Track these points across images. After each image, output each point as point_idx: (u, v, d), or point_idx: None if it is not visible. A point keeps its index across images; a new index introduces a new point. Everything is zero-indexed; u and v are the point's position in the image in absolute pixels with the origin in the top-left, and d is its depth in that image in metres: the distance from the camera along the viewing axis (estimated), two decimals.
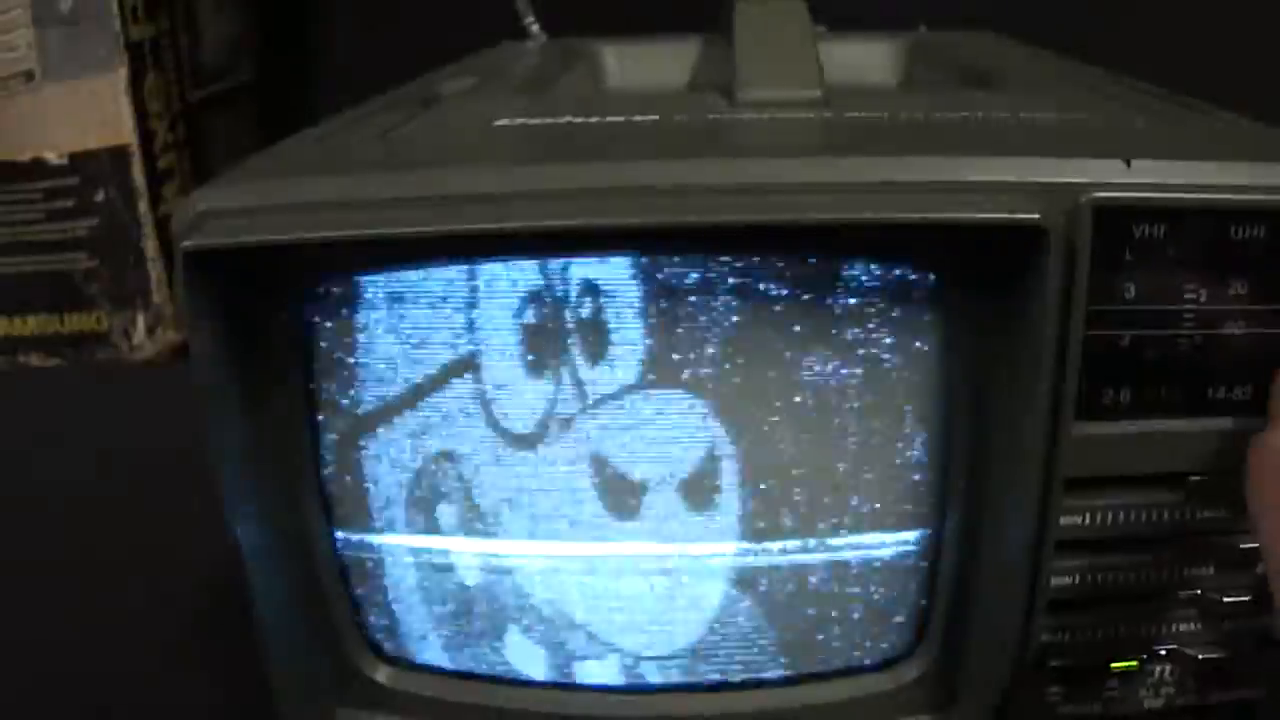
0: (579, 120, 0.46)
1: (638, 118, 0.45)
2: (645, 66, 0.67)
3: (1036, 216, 0.36)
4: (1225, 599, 0.43)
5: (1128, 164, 0.38)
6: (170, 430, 0.42)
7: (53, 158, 0.83)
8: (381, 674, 0.48)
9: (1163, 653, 0.44)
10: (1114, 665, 0.44)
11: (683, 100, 0.48)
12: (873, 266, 0.40)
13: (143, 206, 0.84)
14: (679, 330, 0.41)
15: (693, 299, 0.41)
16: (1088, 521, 0.41)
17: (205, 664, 0.55)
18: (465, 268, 0.41)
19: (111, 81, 0.82)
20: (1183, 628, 0.44)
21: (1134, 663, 0.44)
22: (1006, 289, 0.39)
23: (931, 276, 0.40)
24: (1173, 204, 0.38)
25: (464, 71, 0.62)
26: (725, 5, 0.56)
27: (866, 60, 0.67)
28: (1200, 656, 0.44)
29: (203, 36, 0.92)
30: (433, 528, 0.45)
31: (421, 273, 0.42)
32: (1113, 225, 0.38)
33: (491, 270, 0.41)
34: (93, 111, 0.83)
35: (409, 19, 0.98)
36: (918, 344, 0.41)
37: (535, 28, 0.75)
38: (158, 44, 0.85)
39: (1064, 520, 0.41)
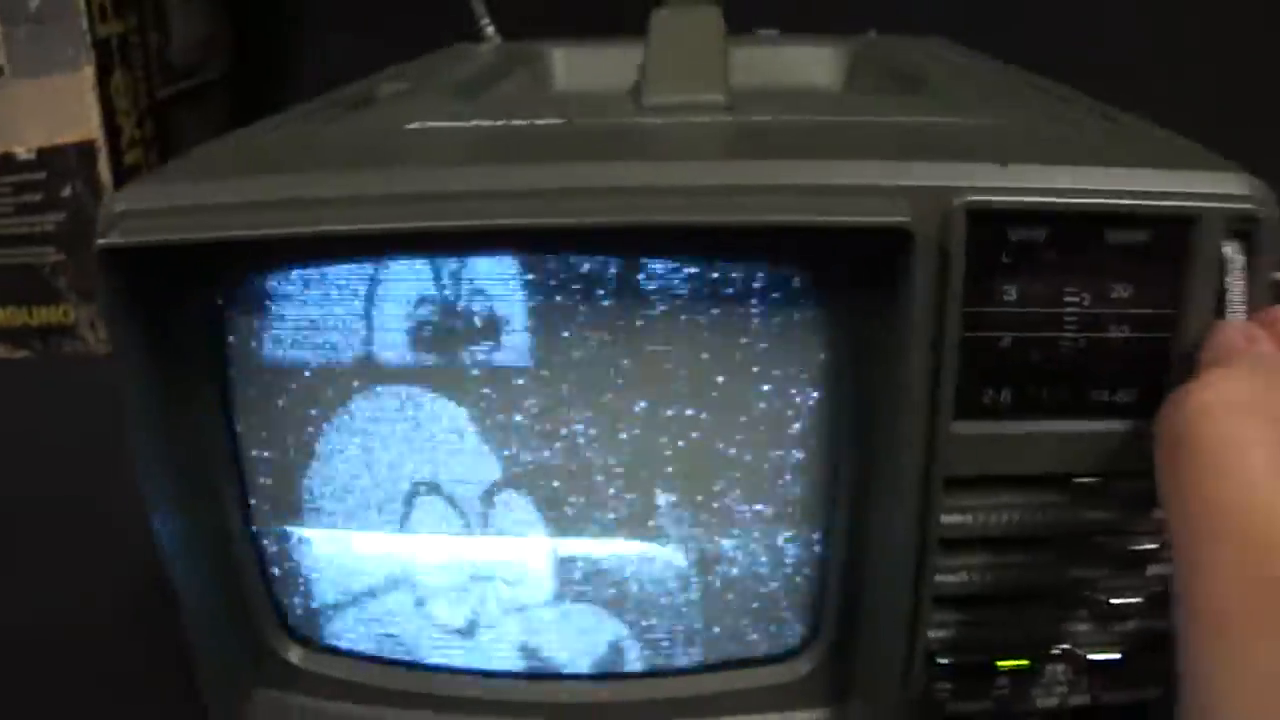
0: (486, 124, 0.46)
1: (541, 122, 0.46)
2: (592, 69, 0.67)
3: (902, 219, 0.37)
4: (1116, 600, 0.43)
5: (1004, 167, 0.38)
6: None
7: (21, 153, 0.84)
8: (295, 655, 0.49)
9: (1055, 653, 0.44)
10: (1003, 664, 0.44)
11: (593, 105, 0.49)
12: (760, 269, 0.41)
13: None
14: (564, 333, 0.42)
15: (581, 293, 0.41)
16: (971, 520, 0.42)
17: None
18: (371, 266, 0.42)
19: (78, 79, 0.83)
20: (1074, 628, 0.44)
21: (1024, 662, 0.44)
22: (886, 290, 0.39)
23: (817, 279, 0.41)
24: (1048, 207, 0.38)
25: (408, 73, 0.63)
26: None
27: (811, 63, 0.68)
28: (1092, 657, 0.44)
29: (173, 34, 0.93)
30: (345, 520, 0.46)
31: (329, 270, 0.42)
32: (988, 228, 0.38)
33: (396, 266, 0.42)
34: (60, 108, 0.84)
35: (382, 17, 0.99)
36: (805, 345, 0.42)
37: (490, 29, 0.76)
38: (126, 41, 0.86)
39: (947, 519, 0.41)
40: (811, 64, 0.68)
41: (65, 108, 0.84)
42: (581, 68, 0.69)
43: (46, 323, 0.88)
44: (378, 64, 0.68)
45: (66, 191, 0.85)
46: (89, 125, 0.84)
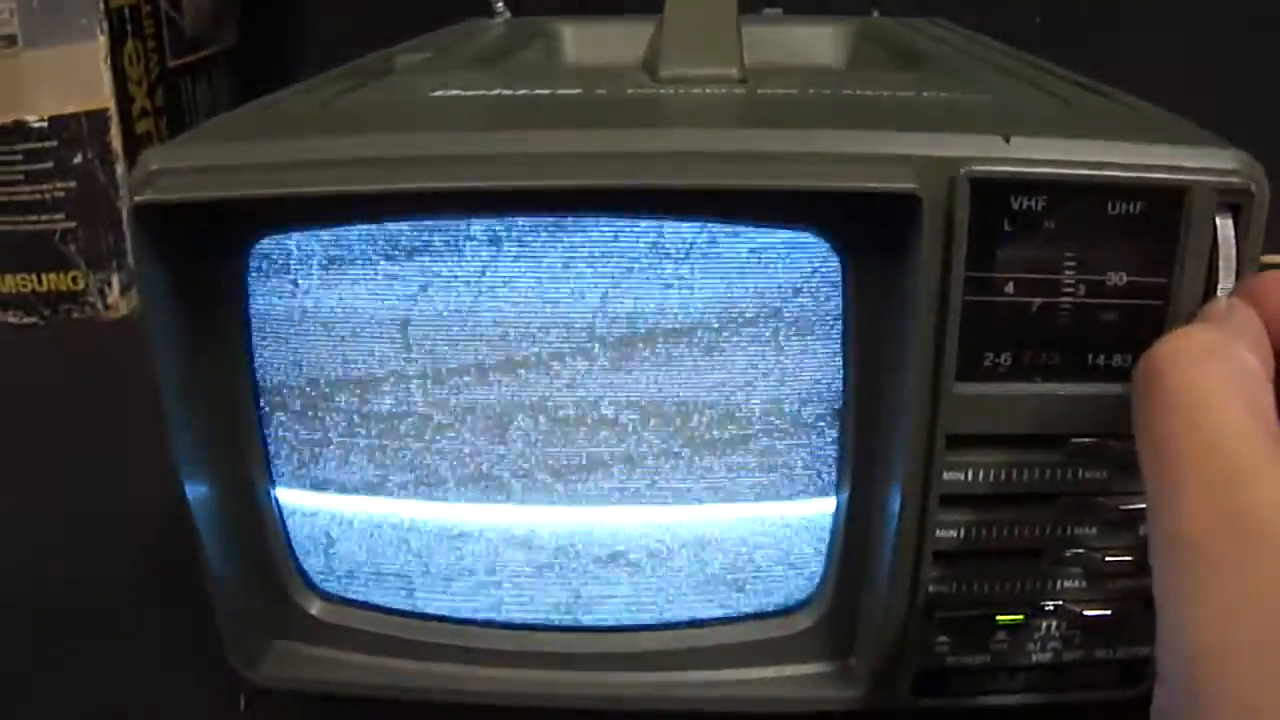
0: (507, 93, 0.48)
1: (561, 91, 0.47)
2: (601, 44, 0.69)
3: (911, 186, 0.38)
4: (1108, 558, 0.44)
5: (1007, 140, 0.40)
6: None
7: (33, 120, 0.86)
8: (316, 608, 0.50)
9: (1049, 608, 0.46)
10: (1000, 619, 0.46)
11: (610, 76, 0.50)
12: (775, 234, 0.42)
13: (120, 169, 0.86)
14: (590, 295, 0.43)
15: (603, 253, 0.43)
16: (970, 478, 0.43)
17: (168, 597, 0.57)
18: (400, 225, 0.43)
19: (92, 48, 0.84)
20: (1067, 584, 0.45)
21: (1020, 617, 0.46)
22: (895, 256, 0.41)
23: (829, 245, 0.42)
24: (1048, 178, 0.40)
25: (423, 46, 0.65)
26: None
27: (815, 42, 0.69)
28: (1085, 613, 0.46)
29: (185, 6, 0.94)
30: (365, 480, 0.47)
31: (358, 229, 0.44)
32: (990, 197, 0.40)
33: (426, 225, 0.43)
34: (73, 76, 0.85)
35: None
36: (815, 308, 0.43)
37: (500, 5, 0.78)
38: (139, 12, 0.87)
39: (947, 475, 0.43)
40: (815, 43, 0.69)
41: (78, 76, 0.85)
42: (591, 43, 0.70)
43: (56, 289, 0.89)
44: (384, 40, 0.69)
45: (77, 159, 0.86)
46: (101, 94, 0.86)
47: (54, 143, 0.86)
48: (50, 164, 0.87)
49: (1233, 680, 0.30)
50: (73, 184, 0.87)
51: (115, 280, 0.88)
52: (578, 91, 0.47)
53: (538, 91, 0.47)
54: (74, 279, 0.89)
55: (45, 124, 0.86)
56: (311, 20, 1.06)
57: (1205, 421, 0.34)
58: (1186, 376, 0.35)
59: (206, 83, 0.99)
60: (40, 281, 0.89)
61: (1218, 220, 0.40)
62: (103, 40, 0.85)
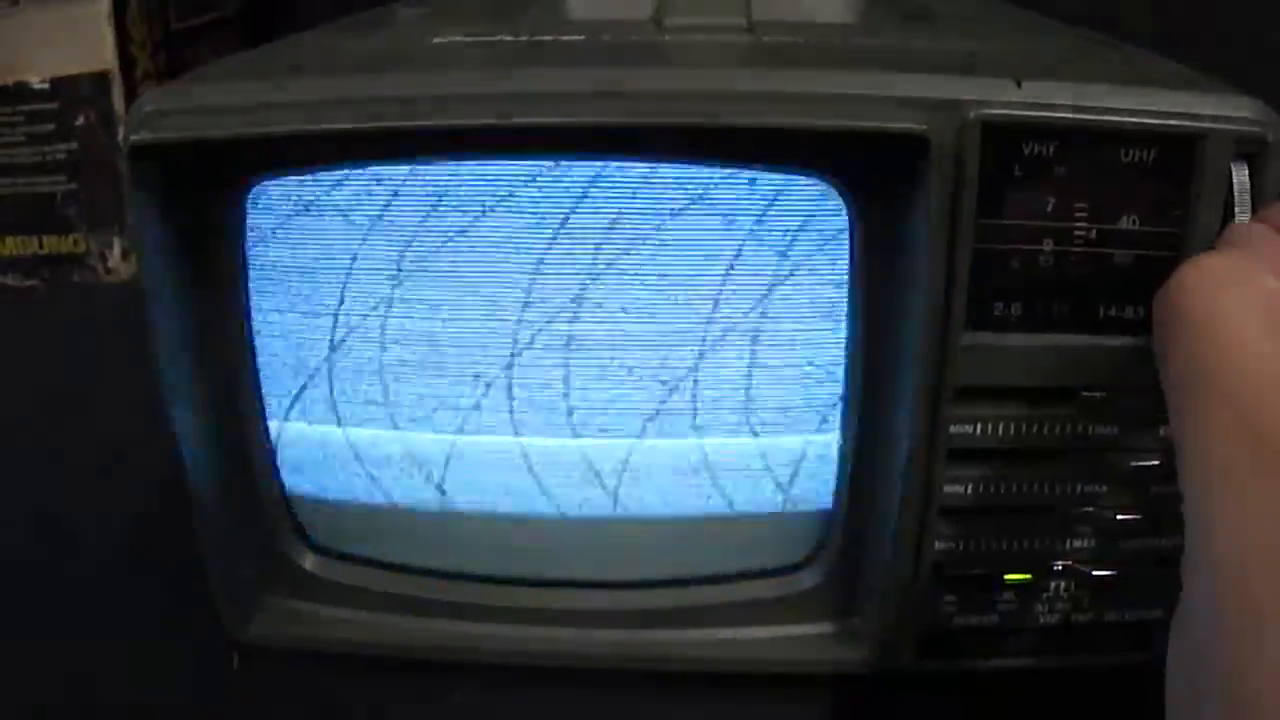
0: (510, 39, 0.47)
1: (564, 38, 0.46)
2: (607, 2, 0.68)
3: (919, 126, 0.38)
4: (1118, 517, 0.44)
5: (1019, 84, 0.39)
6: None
7: (34, 81, 0.85)
8: (309, 561, 0.50)
9: (1058, 568, 0.45)
10: (1008, 578, 0.45)
11: (615, 25, 0.49)
12: (782, 177, 0.41)
13: (122, 132, 0.85)
14: (591, 237, 0.43)
15: (607, 194, 0.42)
16: (979, 431, 0.42)
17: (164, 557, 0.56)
18: (395, 168, 0.43)
19: (94, 9, 0.84)
20: (1076, 544, 0.45)
21: (1028, 576, 0.45)
22: (904, 202, 0.40)
23: (838, 190, 0.41)
24: (1061, 123, 0.39)
25: (425, 3, 0.64)
26: None
27: (824, 2, 0.68)
28: (1094, 573, 0.45)
29: None
30: (359, 421, 0.47)
31: (353, 172, 0.43)
32: (1001, 142, 0.39)
33: (413, 172, 0.43)
34: (75, 37, 0.84)
35: None
36: (822, 253, 0.42)
37: None
38: None
39: (955, 429, 0.42)
40: (825, 3, 0.68)
41: (80, 38, 0.84)
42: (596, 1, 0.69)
43: (56, 252, 0.89)
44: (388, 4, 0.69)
45: (79, 121, 0.86)
46: (104, 55, 0.85)
47: (55, 104, 0.85)
48: (51, 126, 0.86)
49: (1267, 584, 0.30)
50: (74, 146, 0.86)
51: (116, 243, 0.88)
52: (581, 38, 0.46)
53: (541, 38, 0.47)
54: (75, 242, 0.88)
55: (46, 85, 0.85)
56: None
57: (1229, 346, 0.34)
58: (1210, 301, 0.35)
59: (210, 46, 0.98)
60: (41, 244, 0.88)
61: (1233, 169, 0.39)
62: (105, 1, 0.84)
